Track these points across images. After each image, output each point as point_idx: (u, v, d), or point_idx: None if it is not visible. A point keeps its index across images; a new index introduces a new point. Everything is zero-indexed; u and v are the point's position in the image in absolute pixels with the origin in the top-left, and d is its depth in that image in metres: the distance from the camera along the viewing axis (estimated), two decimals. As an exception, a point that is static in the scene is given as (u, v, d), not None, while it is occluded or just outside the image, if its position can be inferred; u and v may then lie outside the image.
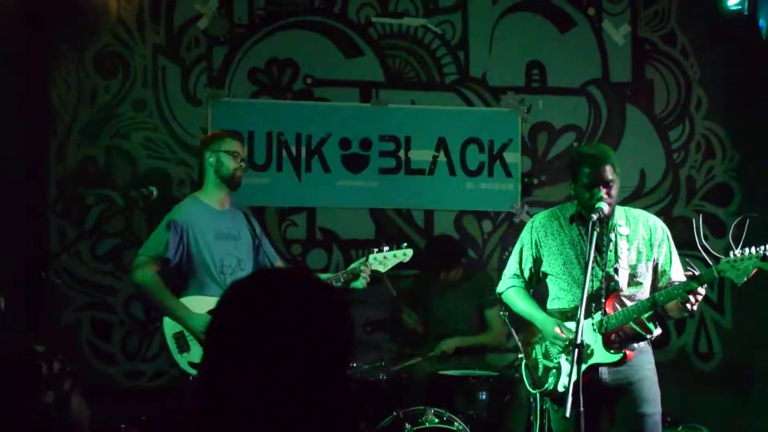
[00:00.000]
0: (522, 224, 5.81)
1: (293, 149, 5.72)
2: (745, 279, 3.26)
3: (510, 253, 5.76)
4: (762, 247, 3.24)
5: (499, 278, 5.53)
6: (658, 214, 5.87)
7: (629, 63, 6.05)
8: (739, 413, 5.45)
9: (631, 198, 5.87)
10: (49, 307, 5.41)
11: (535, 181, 5.95)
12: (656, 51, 6.04)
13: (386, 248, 4.31)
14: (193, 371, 3.94)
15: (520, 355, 4.78)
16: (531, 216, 5.79)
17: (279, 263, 4.38)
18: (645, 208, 5.87)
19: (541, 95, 5.96)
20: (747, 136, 6.00)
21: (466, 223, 5.91)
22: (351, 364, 4.79)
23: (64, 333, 5.41)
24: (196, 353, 3.95)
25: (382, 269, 4.27)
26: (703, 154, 6.07)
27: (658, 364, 3.90)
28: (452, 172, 5.85)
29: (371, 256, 4.23)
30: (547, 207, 5.76)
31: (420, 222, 5.87)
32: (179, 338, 3.98)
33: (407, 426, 4.42)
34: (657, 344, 5.66)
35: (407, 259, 4.36)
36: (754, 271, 3.25)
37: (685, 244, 5.82)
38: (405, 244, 4.37)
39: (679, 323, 5.94)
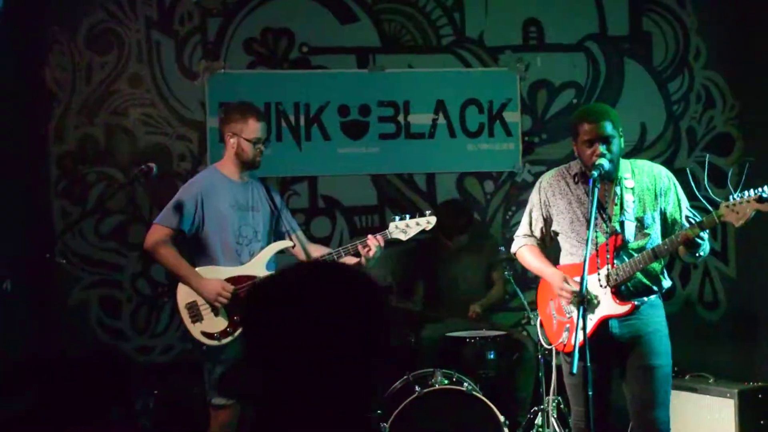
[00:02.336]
0: (524, 183, 5.88)
1: (292, 118, 5.71)
2: (744, 222, 3.26)
3: (513, 212, 5.90)
4: (759, 189, 3.24)
5: (503, 238, 5.61)
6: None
7: (626, 16, 6.00)
8: (743, 361, 5.48)
9: (633, 152, 5.85)
10: (56, 288, 5.45)
11: (536, 139, 5.95)
12: (653, 2, 5.99)
13: (408, 216, 4.15)
14: (206, 340, 3.96)
15: (526, 314, 4.86)
16: (533, 175, 5.86)
17: (299, 234, 4.33)
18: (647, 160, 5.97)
19: (538, 53, 5.93)
20: (747, 84, 5.97)
21: (468, 185, 5.92)
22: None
23: (73, 312, 5.46)
24: (209, 323, 3.97)
25: (403, 237, 4.14)
26: (703, 104, 6.04)
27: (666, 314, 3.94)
28: (452, 135, 5.84)
29: (392, 225, 4.12)
30: (548, 165, 5.82)
31: (422, 186, 5.88)
32: (192, 308, 3.99)
33: (417, 389, 4.47)
34: (663, 296, 5.78)
35: (431, 226, 4.16)
36: (752, 213, 3.24)
37: (688, 196, 5.94)
38: (429, 212, 4.19)
39: (684, 274, 5.97)
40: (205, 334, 3.97)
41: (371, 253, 4.01)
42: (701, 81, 6.04)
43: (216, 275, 4.00)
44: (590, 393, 3.13)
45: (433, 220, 4.15)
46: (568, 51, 5.97)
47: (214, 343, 3.96)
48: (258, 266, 4.05)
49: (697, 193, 3.49)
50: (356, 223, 5.78)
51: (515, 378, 5.12)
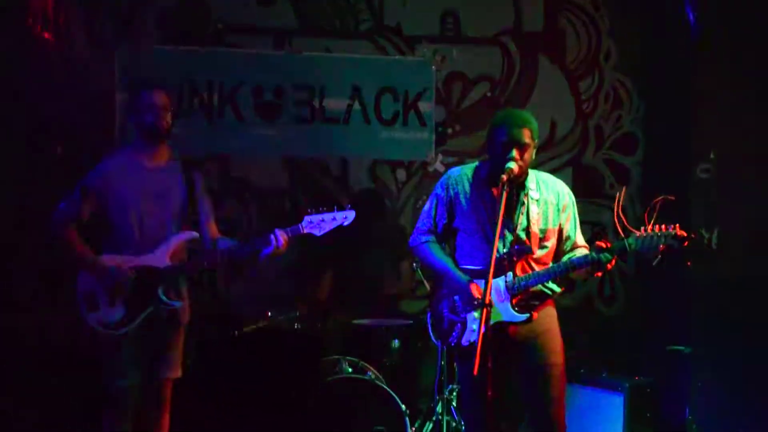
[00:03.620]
0: (436, 173, 5.94)
1: (204, 96, 5.61)
2: (653, 254, 3.39)
3: (423, 202, 5.94)
4: (671, 226, 3.39)
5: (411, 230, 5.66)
6: (567, 163, 6.16)
7: (541, 12, 6.10)
8: (637, 355, 5.72)
9: (542, 148, 5.97)
10: None
11: (450, 130, 6.01)
12: (568, 1, 6.11)
13: (323, 210, 3.99)
14: (101, 329, 3.88)
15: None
16: (445, 165, 5.93)
17: (211, 224, 4.16)
18: (555, 157, 6.13)
19: (455, 45, 5.98)
20: (652, 87, 6.17)
21: (380, 172, 5.94)
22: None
23: None
24: (106, 313, 3.89)
25: (317, 233, 3.98)
26: (611, 104, 6.22)
27: (564, 309, 4.05)
28: (367, 121, 5.85)
29: (306, 218, 3.96)
30: (461, 156, 5.96)
31: (336, 171, 5.87)
32: (89, 296, 3.91)
33: (322, 376, 4.50)
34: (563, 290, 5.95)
35: (348, 222, 4.00)
36: (662, 247, 3.38)
37: (593, 193, 6.14)
38: (348, 205, 4.04)
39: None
40: (101, 323, 3.88)
41: (281, 249, 3.92)
42: (611, 82, 6.21)
43: (120, 263, 3.90)
44: (489, 394, 3.19)
45: (351, 215, 4.00)
46: (483, 44, 6.04)
47: (110, 332, 3.88)
48: (160, 257, 3.93)
49: (615, 216, 3.57)
50: (267, 206, 5.73)
51: (419, 366, 5.21)
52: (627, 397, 5.00)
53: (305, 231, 3.96)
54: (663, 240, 3.39)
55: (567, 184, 3.91)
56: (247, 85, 5.66)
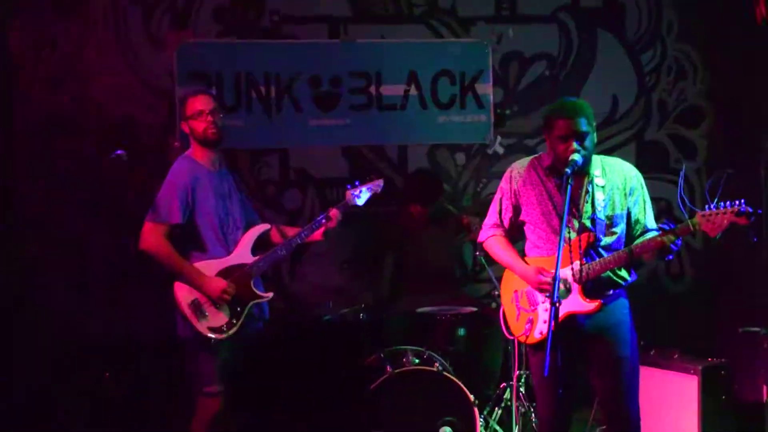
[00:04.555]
0: (495, 155, 5.89)
1: (263, 89, 5.64)
2: (719, 233, 3.30)
3: (484, 185, 5.92)
4: (736, 202, 3.27)
5: (474, 212, 5.63)
6: (630, 138, 6.03)
7: (600, -13, 5.97)
8: (707, 333, 5.61)
9: (604, 124, 5.88)
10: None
11: (508, 111, 5.93)
12: (627, -26, 5.95)
13: (357, 182, 4.36)
14: (213, 335, 4.02)
15: (495, 292, 4.90)
16: (504, 147, 5.88)
17: (257, 217, 4.38)
18: (618, 133, 6.01)
19: (511, 24, 5.88)
20: (717, 57, 5.99)
21: (439, 157, 5.91)
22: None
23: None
24: (214, 318, 4.03)
25: (359, 202, 4.34)
26: (674, 76, 6.06)
27: (630, 286, 3.98)
28: (424, 106, 5.81)
29: (347, 193, 4.32)
30: (520, 137, 5.91)
31: (393, 158, 5.86)
32: (195, 306, 4.02)
33: (389, 368, 4.52)
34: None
35: (379, 189, 4.40)
36: (728, 224, 3.28)
37: (658, 168, 6.00)
38: (377, 175, 4.45)
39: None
40: (211, 329, 4.02)
41: (332, 225, 4.21)
42: (673, 53, 6.05)
43: (209, 268, 4.04)
44: (560, 392, 3.18)
45: (380, 182, 4.40)
46: (540, 22, 5.93)
47: (222, 336, 4.02)
48: (244, 254, 4.12)
49: (679, 199, 3.49)
50: (327, 196, 5.75)
51: (485, 353, 5.20)
52: (701, 380, 4.91)
53: (352, 203, 4.31)
54: (728, 218, 3.28)
55: (630, 160, 3.85)
56: (304, 75, 5.66)
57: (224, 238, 4.10)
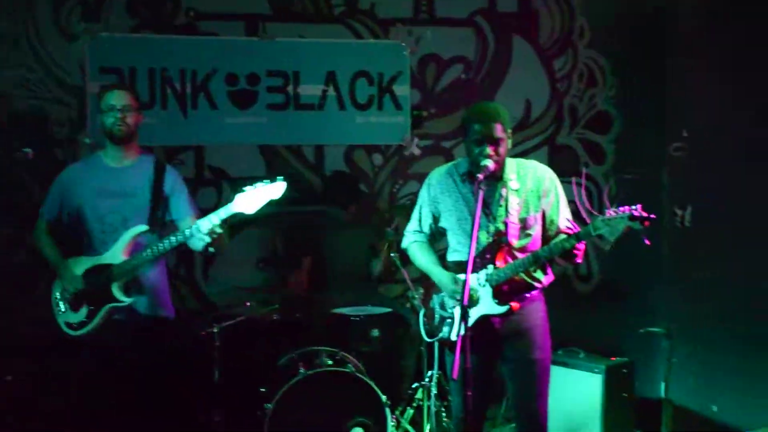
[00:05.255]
0: (412, 157, 5.95)
1: (177, 86, 5.55)
2: (618, 236, 3.39)
3: (400, 186, 5.98)
4: (631, 207, 3.38)
5: (390, 214, 5.69)
6: (542, 143, 6.18)
7: (515, -8, 6.09)
8: (612, 333, 5.80)
9: (517, 128, 6.00)
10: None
11: (425, 113, 6.00)
12: (541, -20, 6.09)
13: (251, 185, 3.73)
14: (66, 330, 3.98)
15: (409, 292, 4.96)
16: (421, 149, 5.94)
17: (189, 219, 4.01)
18: (531, 137, 6.15)
19: (429, 26, 5.95)
20: (626, 65, 6.18)
21: (356, 157, 5.94)
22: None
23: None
24: (72, 314, 3.99)
25: (249, 210, 3.72)
26: (585, 82, 6.23)
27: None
28: (342, 107, 5.82)
29: (236, 196, 3.72)
30: (437, 139, 5.99)
31: (310, 157, 5.86)
32: (60, 299, 4.03)
33: (301, 369, 4.53)
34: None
35: (279, 194, 3.71)
36: (626, 228, 3.38)
37: (569, 172, 6.15)
38: (281, 177, 3.73)
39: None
40: (67, 324, 4.00)
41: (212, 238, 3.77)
42: (584, 60, 6.22)
43: (77, 265, 3.98)
44: (469, 393, 3.24)
45: (282, 186, 3.70)
46: (457, 25, 6.01)
47: (74, 333, 3.98)
48: (116, 255, 3.94)
49: (578, 203, 3.57)
50: (243, 194, 5.70)
51: (398, 353, 5.26)
52: (604, 378, 5.10)
53: (236, 210, 3.71)
54: (624, 222, 3.35)
55: (542, 163, 3.90)
56: (220, 72, 5.60)
57: (102, 237, 3.97)
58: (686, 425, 5.08)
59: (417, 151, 5.95)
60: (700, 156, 5.52)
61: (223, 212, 3.74)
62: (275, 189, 3.71)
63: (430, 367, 4.86)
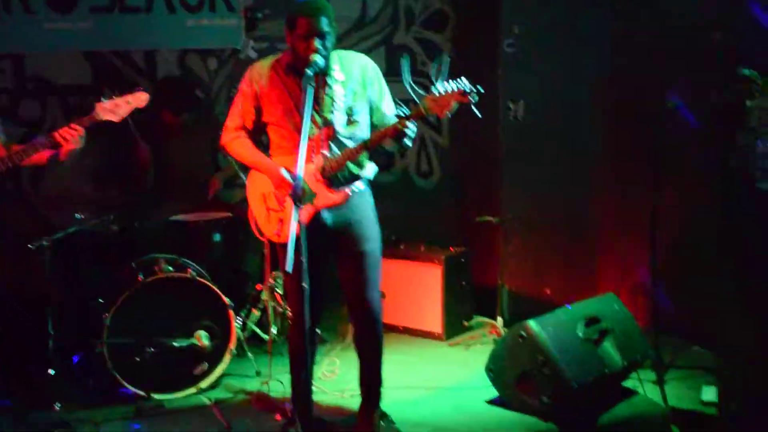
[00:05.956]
0: (248, 61, 5.80)
1: (-14, -11, 5.18)
2: (448, 113, 3.45)
3: (237, 91, 5.85)
4: (458, 81, 3.41)
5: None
6: (379, 43, 6.19)
7: None
8: (453, 225, 6.01)
9: (354, 28, 5.98)
10: None
11: (259, 15, 5.84)
12: None
13: (116, 93, 4.00)
14: None
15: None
16: (257, 52, 5.82)
17: None
18: (368, 37, 6.14)
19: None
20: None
21: (190, 62, 5.76)
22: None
23: None
24: None
25: (115, 118, 3.97)
26: (420, -18, 6.24)
27: (383, 185, 4.15)
28: (171, 9, 5.60)
29: (98, 105, 3.94)
30: (272, 41, 5.86)
31: (141, 63, 5.63)
32: None
33: (141, 276, 4.46)
34: (382, 167, 6.08)
35: (143, 103, 4.06)
36: (455, 105, 3.41)
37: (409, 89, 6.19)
38: (141, 88, 4.09)
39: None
40: None
41: (71, 146, 3.89)
42: (419, -42, 6.21)
43: None
44: (305, 285, 3.26)
45: (144, 96, 4.04)
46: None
47: None
48: None
49: (405, 82, 3.61)
50: (71, 104, 5.45)
51: (241, 257, 5.26)
52: (444, 268, 5.30)
53: (100, 117, 3.92)
54: (454, 97, 3.39)
55: (380, 64, 3.92)
56: (35, -26, 5.26)
57: None
58: (521, 308, 5.37)
59: (253, 54, 5.82)
60: (531, 52, 5.68)
61: (87, 121, 3.87)
62: (138, 98, 3.98)
63: (273, 269, 4.88)
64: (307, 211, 3.65)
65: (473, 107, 3.40)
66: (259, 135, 3.88)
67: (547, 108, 5.60)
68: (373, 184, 3.90)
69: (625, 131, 5.31)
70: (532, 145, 5.62)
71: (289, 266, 3.16)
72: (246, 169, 3.94)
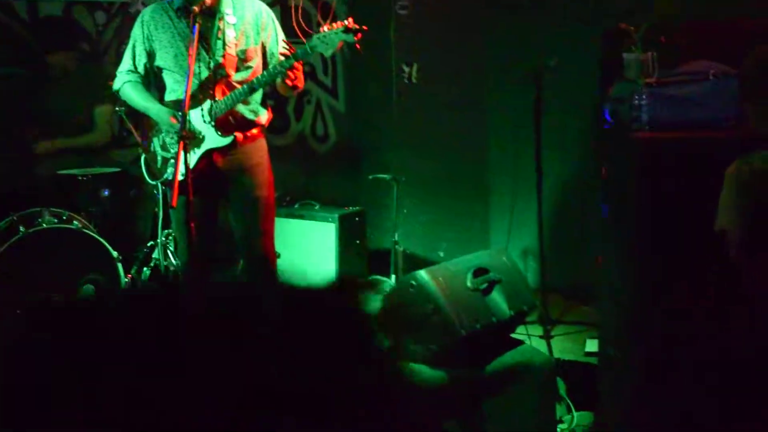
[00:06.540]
0: (138, 15, 5.65)
1: None
2: (333, 52, 3.48)
3: (126, 45, 5.69)
4: (344, 21, 3.46)
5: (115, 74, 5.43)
6: (274, 2, 6.11)
7: None
8: (348, 189, 6.03)
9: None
10: None
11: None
12: None
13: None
14: None
15: (140, 151, 4.83)
16: (146, 5, 5.66)
17: None
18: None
19: None
20: None
21: (77, 14, 5.57)
22: None
23: None
24: None
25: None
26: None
27: (279, 148, 4.14)
28: (54, -42, 5.40)
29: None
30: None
31: (23, 13, 5.40)
32: None
33: (22, 229, 4.30)
34: (277, 130, 6.05)
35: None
36: (340, 43, 3.46)
37: (302, 33, 6.14)
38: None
39: (298, 108, 6.30)
40: None
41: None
42: None
43: None
44: (192, 225, 3.23)
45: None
46: None
47: None
48: None
49: (296, 26, 3.61)
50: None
51: (131, 212, 5.14)
52: (338, 227, 5.31)
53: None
54: (339, 36, 3.44)
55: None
56: None
57: None
58: (416, 268, 5.41)
59: (142, 8, 5.66)
60: (424, 15, 5.73)
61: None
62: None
63: (166, 227, 4.80)
64: (197, 154, 3.61)
65: (357, 45, 3.44)
66: (152, 81, 3.81)
67: (440, 71, 5.67)
68: (270, 147, 3.87)
69: (517, 91, 5.43)
70: (425, 107, 5.68)
71: (174, 201, 3.13)
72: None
